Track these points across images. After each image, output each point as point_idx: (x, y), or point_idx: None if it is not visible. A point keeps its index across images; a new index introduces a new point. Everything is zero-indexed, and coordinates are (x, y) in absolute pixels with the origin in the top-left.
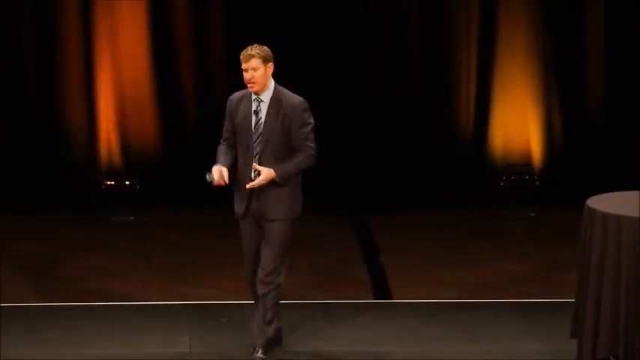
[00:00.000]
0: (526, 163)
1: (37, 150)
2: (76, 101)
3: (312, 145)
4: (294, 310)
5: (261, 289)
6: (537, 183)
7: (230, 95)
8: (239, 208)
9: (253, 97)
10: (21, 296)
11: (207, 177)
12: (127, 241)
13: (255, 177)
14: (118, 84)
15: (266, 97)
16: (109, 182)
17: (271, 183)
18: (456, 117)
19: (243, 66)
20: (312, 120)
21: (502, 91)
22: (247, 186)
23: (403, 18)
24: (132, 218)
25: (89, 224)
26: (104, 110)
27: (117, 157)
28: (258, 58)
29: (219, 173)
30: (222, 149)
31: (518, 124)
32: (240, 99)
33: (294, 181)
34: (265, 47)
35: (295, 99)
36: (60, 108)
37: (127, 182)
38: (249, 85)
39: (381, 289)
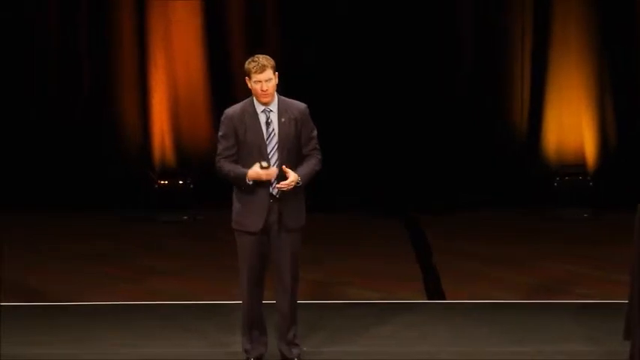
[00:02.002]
0: (580, 164)
1: (92, 150)
2: (130, 102)
3: (319, 149)
4: (347, 310)
5: (282, 301)
6: (591, 184)
7: (227, 109)
8: (255, 223)
9: (260, 108)
10: (72, 293)
11: (264, 164)
12: (179, 240)
13: (275, 188)
14: (172, 84)
15: (274, 106)
16: (162, 182)
17: (290, 192)
18: (510, 117)
19: (258, 77)
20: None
21: (556, 92)
22: (278, 186)
23: (457, 19)
24: (185, 218)
25: (142, 224)
26: (158, 110)
27: (170, 157)
28: (271, 68)
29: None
30: (227, 164)
31: (572, 125)
32: (242, 113)
33: (303, 189)
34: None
35: (300, 104)
36: (114, 108)
37: (181, 182)
38: (263, 96)
39: (433, 289)
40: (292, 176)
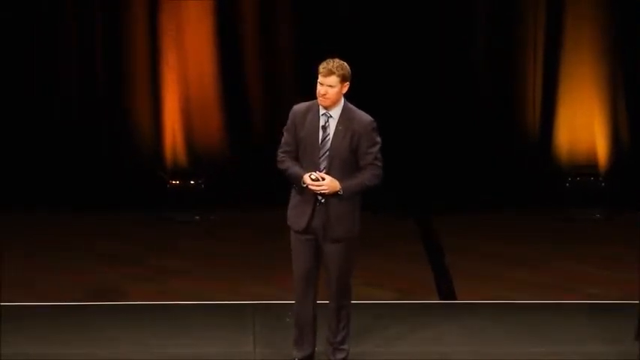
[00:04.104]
0: (592, 164)
1: (104, 149)
2: (142, 102)
3: (380, 164)
4: (360, 310)
5: (330, 308)
6: (603, 184)
7: (295, 104)
8: (299, 222)
9: (322, 111)
10: (85, 294)
11: (313, 176)
12: (191, 240)
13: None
14: (184, 84)
15: (335, 113)
16: (174, 182)
17: (335, 199)
18: (522, 117)
19: (320, 80)
20: (379, 139)
21: (568, 92)
22: (310, 187)
23: (470, 18)
24: (197, 218)
25: (154, 224)
26: (170, 110)
27: (182, 156)
28: (337, 76)
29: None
30: (288, 160)
31: (583, 125)
32: (307, 111)
33: (357, 199)
34: (346, 65)
35: (365, 117)
36: (126, 108)
37: (192, 182)
38: (320, 99)
39: (447, 290)
40: (327, 181)
